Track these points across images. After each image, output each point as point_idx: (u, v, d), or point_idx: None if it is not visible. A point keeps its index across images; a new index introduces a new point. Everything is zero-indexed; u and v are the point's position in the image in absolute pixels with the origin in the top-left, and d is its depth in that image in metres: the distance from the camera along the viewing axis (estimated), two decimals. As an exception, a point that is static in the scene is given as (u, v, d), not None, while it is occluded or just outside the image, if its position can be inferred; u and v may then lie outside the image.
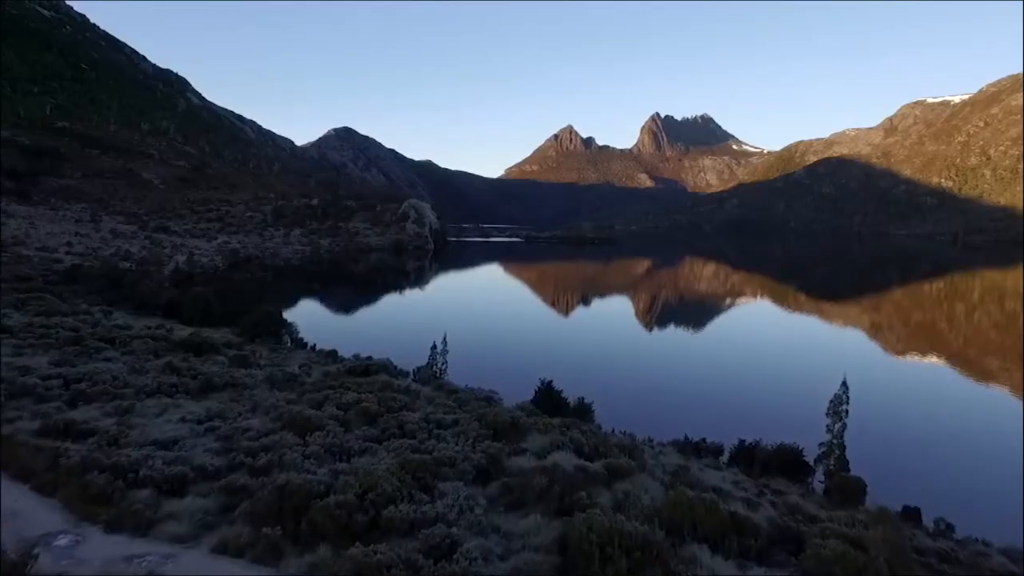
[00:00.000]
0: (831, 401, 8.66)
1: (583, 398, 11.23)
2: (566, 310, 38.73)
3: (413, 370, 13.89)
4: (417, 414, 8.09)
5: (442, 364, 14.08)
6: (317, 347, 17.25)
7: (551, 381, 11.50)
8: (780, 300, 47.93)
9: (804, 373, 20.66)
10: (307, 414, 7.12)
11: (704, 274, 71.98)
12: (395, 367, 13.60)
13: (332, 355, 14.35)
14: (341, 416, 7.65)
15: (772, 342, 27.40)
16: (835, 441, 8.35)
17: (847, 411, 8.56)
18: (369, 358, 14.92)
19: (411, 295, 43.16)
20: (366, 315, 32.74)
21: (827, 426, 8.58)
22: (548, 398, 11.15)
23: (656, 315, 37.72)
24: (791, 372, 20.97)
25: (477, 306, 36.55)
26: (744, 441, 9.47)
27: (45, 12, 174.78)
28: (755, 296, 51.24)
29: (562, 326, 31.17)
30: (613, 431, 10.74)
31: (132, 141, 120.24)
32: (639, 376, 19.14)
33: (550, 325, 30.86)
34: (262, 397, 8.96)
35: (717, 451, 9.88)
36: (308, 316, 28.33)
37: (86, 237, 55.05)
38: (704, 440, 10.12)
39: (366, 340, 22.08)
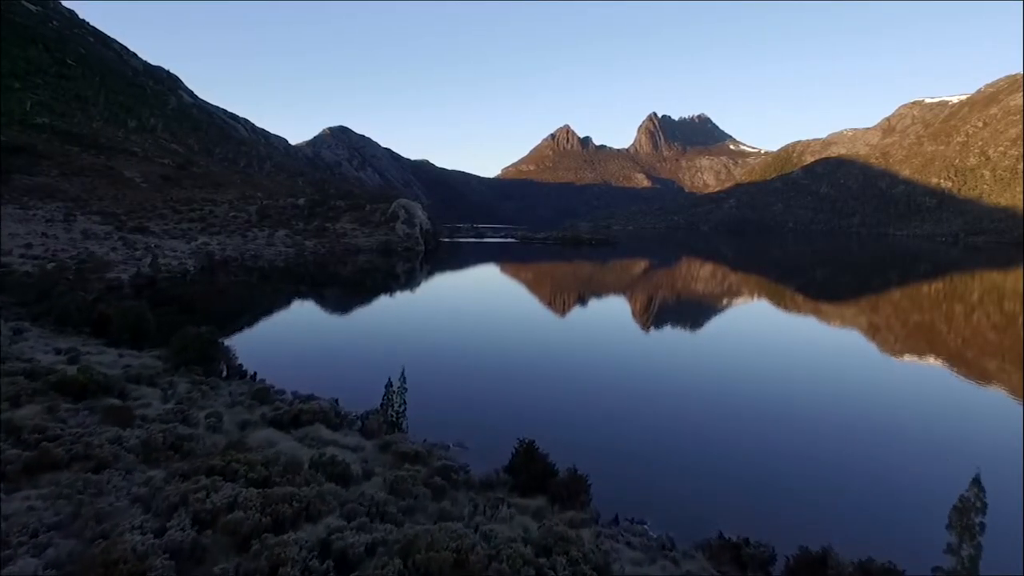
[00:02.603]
0: (955, 508, 5.80)
1: (575, 468, 8.41)
2: (558, 321, 35.72)
3: (361, 416, 11.07)
4: (319, 527, 5.29)
5: (400, 406, 11.27)
6: (258, 376, 14.42)
7: (532, 441, 8.68)
8: (794, 307, 45.22)
9: (841, 403, 17.81)
10: (115, 555, 4.29)
11: (705, 277, 69.32)
12: (338, 411, 10.79)
13: (262, 394, 11.54)
14: (191, 541, 4.84)
15: (793, 359, 24.45)
16: (963, 568, 5.53)
17: (983, 525, 5.69)
18: (310, 397, 12.09)
19: (393, 302, 40.24)
20: (339, 325, 29.65)
21: (949, 544, 5.70)
22: (529, 464, 8.37)
23: (660, 327, 34.79)
24: (824, 399, 18.01)
25: (461, 314, 33.53)
26: (807, 548, 6.62)
27: (31, 7, 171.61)
28: (770, 304, 48.53)
29: (553, 340, 27.37)
30: (617, 520, 8.00)
31: (116, 138, 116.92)
32: (644, 406, 16.00)
33: (539, 338, 26.99)
34: (104, 488, 6.13)
35: (767, 560, 7.05)
36: (271, 330, 25.36)
37: (53, 238, 51.96)
38: (747, 541, 7.23)
39: (328, 361, 19.26)
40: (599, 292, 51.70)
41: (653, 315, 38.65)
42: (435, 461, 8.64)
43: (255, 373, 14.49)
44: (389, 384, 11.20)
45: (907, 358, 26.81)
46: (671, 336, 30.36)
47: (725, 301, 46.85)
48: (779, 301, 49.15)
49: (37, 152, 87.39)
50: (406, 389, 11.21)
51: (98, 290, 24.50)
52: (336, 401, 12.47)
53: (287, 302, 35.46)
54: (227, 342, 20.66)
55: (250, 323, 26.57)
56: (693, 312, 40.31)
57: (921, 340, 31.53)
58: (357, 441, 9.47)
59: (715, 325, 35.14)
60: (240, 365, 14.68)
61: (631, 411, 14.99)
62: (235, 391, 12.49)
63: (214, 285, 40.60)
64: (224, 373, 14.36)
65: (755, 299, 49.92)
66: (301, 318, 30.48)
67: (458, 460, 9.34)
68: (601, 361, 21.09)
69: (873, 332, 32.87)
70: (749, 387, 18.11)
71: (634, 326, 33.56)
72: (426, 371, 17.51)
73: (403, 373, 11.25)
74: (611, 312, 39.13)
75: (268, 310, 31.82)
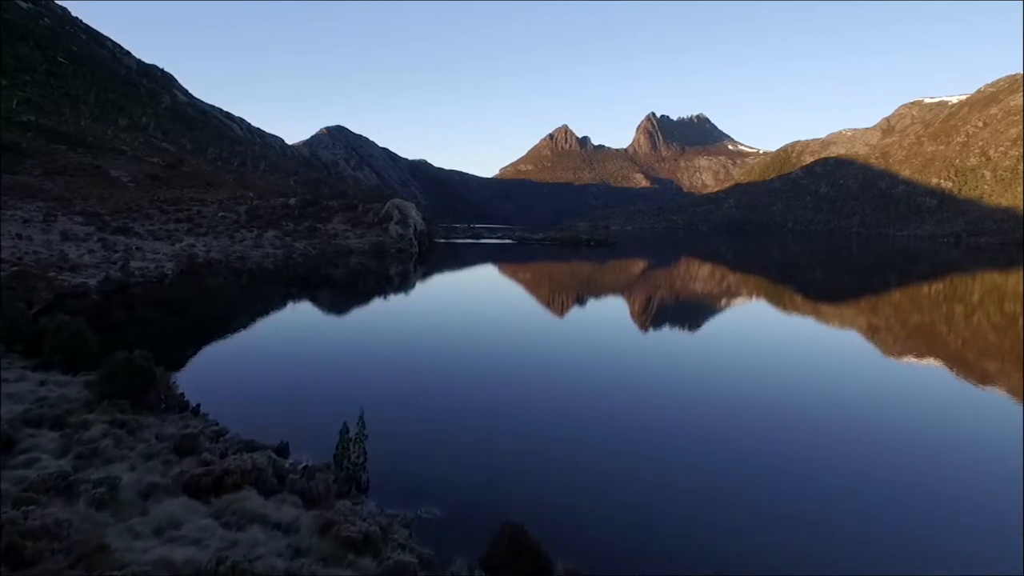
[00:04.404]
0: None
1: (577, 572, 6.28)
2: (556, 331, 33.45)
3: (306, 472, 8.90)
4: None
5: (358, 456, 9.15)
6: (202, 408, 12.24)
7: (520, 527, 6.54)
8: (799, 308, 43.23)
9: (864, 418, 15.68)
10: None
11: (711, 277, 67.28)
12: (279, 465, 8.64)
13: (189, 442, 9.35)
14: None
15: (822, 376, 22.09)
16: None
17: None
18: (249, 444, 9.91)
19: (379, 309, 38.12)
20: (312, 338, 26.70)
21: None
22: (513, 559, 6.26)
23: (673, 337, 32.57)
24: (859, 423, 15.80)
25: (448, 324, 31.22)
26: None
27: (23, 4, 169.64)
28: (782, 309, 46.61)
29: (552, 355, 22.93)
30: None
31: (104, 137, 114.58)
32: (662, 447, 13.01)
33: (536, 354, 22.92)
34: None
35: None
36: (234, 345, 23.00)
37: (26, 240, 49.62)
38: None
39: (290, 385, 16.82)
40: (599, 294, 49.61)
41: (661, 319, 36.65)
42: (390, 550, 6.53)
43: (198, 405, 12.28)
44: (344, 430, 9.06)
45: (907, 359, 25.83)
46: (684, 350, 28.12)
47: (730, 303, 44.88)
48: (783, 303, 47.20)
49: (21, 150, 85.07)
50: (366, 436, 9.08)
51: (46, 300, 22.23)
52: (285, 446, 10.29)
53: (264, 310, 33.26)
54: (187, 357, 18.55)
55: (214, 336, 24.23)
56: (702, 317, 38.26)
57: (921, 341, 30.49)
58: (293, 515, 7.33)
59: (729, 335, 33.00)
60: (181, 394, 12.50)
61: (648, 453, 12.49)
62: (164, 432, 10.31)
63: (190, 290, 38.49)
64: (163, 404, 12.20)
65: (761, 300, 48.03)
66: (271, 330, 27.91)
67: (422, 541, 7.23)
68: (609, 387, 18.37)
69: (872, 333, 31.94)
70: (784, 425, 15.69)
71: (642, 339, 31.33)
72: (402, 398, 15.35)
73: (362, 417, 9.10)
74: (615, 320, 36.96)
75: (240, 319, 29.58)
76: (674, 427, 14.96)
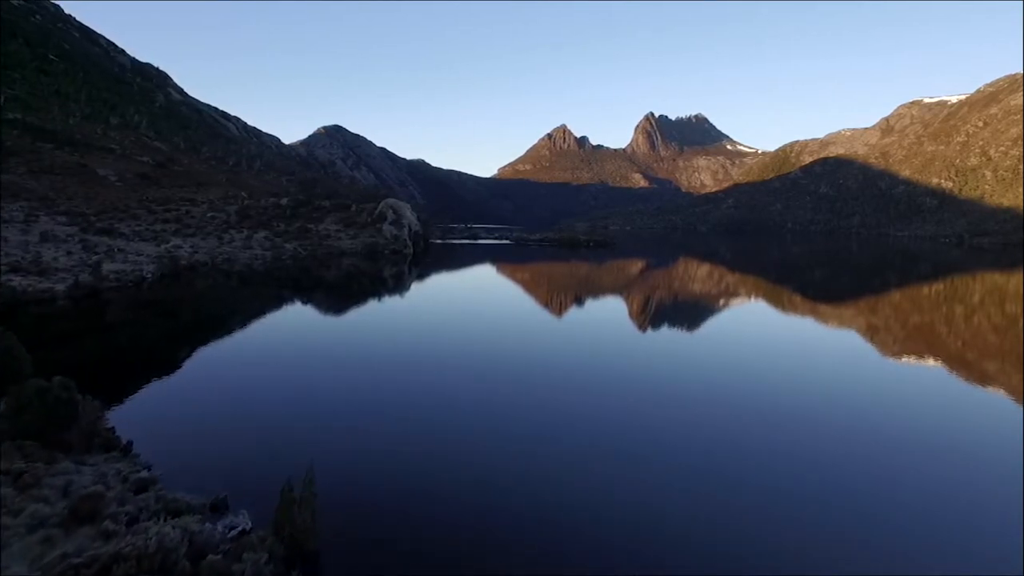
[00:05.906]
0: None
1: None
2: (556, 350, 31.23)
3: (237, 537, 7.03)
4: None
5: (304, 520, 7.29)
6: (136, 447, 10.34)
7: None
8: (819, 315, 41.50)
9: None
10: None
11: (713, 279, 65.52)
12: (196, 538, 6.77)
13: (88, 505, 7.43)
14: None
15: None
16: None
17: None
18: (173, 503, 8.00)
19: (369, 316, 36.27)
20: (289, 352, 24.38)
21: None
22: None
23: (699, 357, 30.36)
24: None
25: (435, 333, 29.16)
26: None
27: (13, 1, 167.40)
28: (814, 320, 44.89)
29: (554, 378, 19.12)
30: None
31: (94, 135, 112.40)
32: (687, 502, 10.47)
33: (535, 377, 19.15)
34: None
35: None
36: (200, 361, 21.00)
37: (3, 241, 47.77)
38: None
39: (250, 412, 14.67)
40: (597, 295, 47.73)
41: (659, 319, 34.86)
42: None
43: (130, 443, 10.36)
44: (287, 489, 7.18)
45: (906, 360, 25.09)
46: (682, 351, 26.18)
47: (728, 303, 43.14)
48: (782, 304, 45.51)
49: (5, 149, 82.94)
50: (315, 495, 7.20)
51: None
52: (223, 501, 8.38)
53: (244, 318, 31.32)
54: (138, 378, 16.61)
55: (177, 350, 22.10)
56: (700, 318, 36.47)
57: (921, 342, 29.62)
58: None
59: (728, 335, 31.14)
60: (112, 429, 10.60)
61: (653, 506, 10.58)
62: (76, 484, 8.39)
63: (168, 295, 36.64)
64: (92, 443, 10.29)
65: (760, 301, 46.36)
66: (244, 342, 25.52)
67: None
68: (612, 408, 16.28)
69: (872, 333, 31.12)
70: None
71: (641, 340, 29.44)
72: (378, 429, 13.39)
73: (310, 475, 7.22)
74: (613, 323, 35.09)
75: (214, 330, 27.60)
76: (674, 433, 13.52)
